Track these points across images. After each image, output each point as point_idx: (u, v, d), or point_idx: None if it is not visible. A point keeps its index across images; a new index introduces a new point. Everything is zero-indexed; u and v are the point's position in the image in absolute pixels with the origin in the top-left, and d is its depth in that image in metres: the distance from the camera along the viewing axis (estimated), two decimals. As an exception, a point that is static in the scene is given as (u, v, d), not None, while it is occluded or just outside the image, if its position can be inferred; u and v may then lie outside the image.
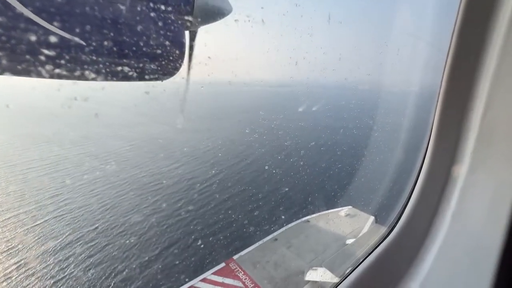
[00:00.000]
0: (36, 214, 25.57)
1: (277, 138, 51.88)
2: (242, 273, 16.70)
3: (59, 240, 22.26)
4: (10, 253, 20.88)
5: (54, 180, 32.61)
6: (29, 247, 21.58)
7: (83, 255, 20.90)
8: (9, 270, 19.38)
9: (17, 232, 23.08)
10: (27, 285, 18.47)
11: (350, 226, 21.05)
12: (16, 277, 18.92)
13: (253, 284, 15.87)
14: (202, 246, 22.23)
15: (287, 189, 31.97)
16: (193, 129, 59.21)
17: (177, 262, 20.59)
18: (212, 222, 25.30)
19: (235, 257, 18.04)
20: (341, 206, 24.37)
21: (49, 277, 19.02)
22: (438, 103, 1.70)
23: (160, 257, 20.96)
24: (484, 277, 1.41)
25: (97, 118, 64.97)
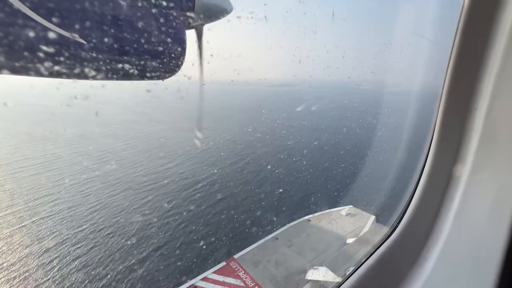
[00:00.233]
0: (24, 214, 25.24)
1: (280, 137, 51.81)
2: (243, 272, 16.74)
3: (44, 242, 21.85)
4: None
5: (45, 179, 32.31)
6: (13, 249, 21.10)
7: (67, 258, 20.41)
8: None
9: (2, 234, 22.59)
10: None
11: (351, 225, 21.05)
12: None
13: (254, 283, 15.90)
14: (189, 249, 21.75)
15: (284, 189, 31.81)
16: (191, 128, 59.07)
17: (161, 267, 20.09)
18: (201, 224, 24.78)
19: (236, 256, 18.08)
20: (342, 205, 24.39)
21: (31, 280, 18.64)
22: (440, 103, 1.69)
23: (145, 261, 20.48)
24: (487, 278, 1.40)
25: (95, 117, 64.89)
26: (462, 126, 1.64)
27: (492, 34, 1.40)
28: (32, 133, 49.66)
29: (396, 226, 2.03)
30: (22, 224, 23.93)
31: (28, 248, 21.20)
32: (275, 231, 20.89)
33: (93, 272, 19.31)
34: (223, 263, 17.57)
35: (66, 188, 30.41)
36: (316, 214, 23.13)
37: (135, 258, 20.65)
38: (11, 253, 20.70)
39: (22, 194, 28.77)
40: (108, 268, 19.72)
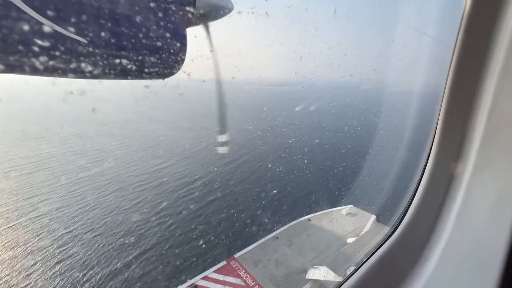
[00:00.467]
0: (11, 215, 24.86)
1: (281, 135, 51.71)
2: (243, 271, 16.78)
3: (29, 244, 21.45)
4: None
5: (36, 179, 31.89)
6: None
7: (52, 261, 19.98)
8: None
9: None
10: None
11: (352, 225, 21.08)
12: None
13: (254, 282, 15.94)
14: (176, 253, 21.22)
15: (284, 188, 31.58)
16: (188, 128, 58.83)
17: (147, 271, 19.54)
18: (192, 227, 24.24)
19: (236, 255, 18.12)
20: (343, 205, 24.41)
21: (13, 284, 18.23)
22: (443, 102, 1.68)
23: (131, 265, 19.95)
24: (489, 278, 1.39)
25: (91, 114, 64.24)
26: (464, 126, 1.64)
27: (495, 33, 1.39)
28: (27, 131, 49.43)
29: (397, 226, 2.02)
30: (9, 225, 23.58)
31: (11, 251, 20.82)
32: (275, 230, 20.91)
33: (76, 275, 18.91)
34: (224, 262, 17.61)
35: (57, 188, 30.05)
36: (317, 213, 23.15)
37: (120, 261, 20.19)
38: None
39: (11, 194, 28.44)
40: (92, 271, 19.32)
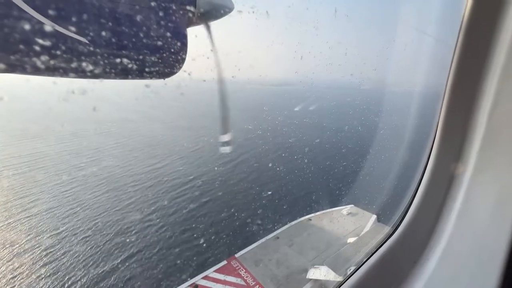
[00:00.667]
0: None
1: (281, 135, 51.58)
2: (244, 270, 16.79)
3: (15, 246, 21.06)
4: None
5: (28, 179, 31.35)
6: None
7: (38, 263, 19.56)
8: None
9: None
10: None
11: (352, 224, 21.08)
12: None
13: (255, 282, 15.95)
14: (165, 257, 20.70)
15: (284, 188, 31.38)
16: (187, 127, 58.56)
17: (135, 275, 19.09)
18: (182, 229, 23.65)
19: (237, 255, 18.13)
20: (344, 205, 24.40)
21: None
22: (444, 102, 1.68)
23: (117, 268, 19.47)
24: (489, 278, 1.39)
25: (90, 114, 63.64)
26: (464, 126, 1.64)
27: (496, 33, 1.38)
28: (23, 130, 49.15)
29: (398, 226, 2.02)
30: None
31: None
32: (275, 230, 20.90)
33: (61, 279, 18.53)
34: (224, 262, 17.63)
35: (49, 188, 29.57)
36: (317, 213, 23.15)
37: (108, 264, 19.75)
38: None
39: (1, 194, 28.14)
40: (78, 274, 18.92)
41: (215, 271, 16.97)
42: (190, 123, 62.14)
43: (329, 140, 50.04)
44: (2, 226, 23.43)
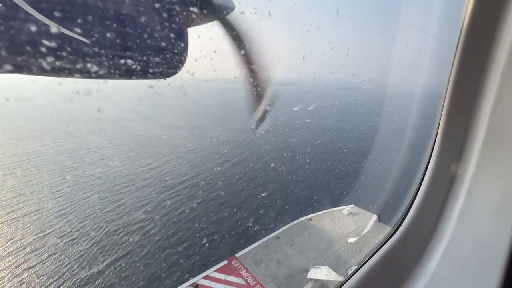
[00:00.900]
0: None
1: (282, 135, 51.40)
2: (245, 270, 16.80)
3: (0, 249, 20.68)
4: None
5: (18, 179, 30.87)
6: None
7: (22, 266, 19.12)
8: None
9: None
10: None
11: (353, 224, 21.06)
12: None
13: (256, 282, 15.96)
14: (150, 261, 20.05)
15: (284, 187, 31.05)
16: (183, 127, 58.44)
17: (119, 279, 18.58)
18: (170, 232, 23.03)
19: (237, 254, 18.14)
20: (344, 205, 24.37)
21: None
22: (445, 101, 1.68)
23: (102, 273, 18.99)
24: (491, 278, 1.39)
25: (88, 114, 62.63)
26: (466, 126, 1.64)
27: (497, 33, 1.38)
28: (20, 129, 48.94)
29: (399, 226, 2.02)
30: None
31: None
32: (277, 229, 20.89)
33: (43, 284, 18.06)
34: (225, 262, 17.64)
35: (38, 189, 29.02)
36: (318, 213, 23.14)
37: (92, 268, 19.20)
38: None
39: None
40: (61, 279, 18.40)
41: (216, 270, 16.98)
42: (189, 123, 62.02)
43: (331, 140, 49.90)
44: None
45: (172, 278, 18.43)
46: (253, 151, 43.02)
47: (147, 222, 24.18)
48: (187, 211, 26.25)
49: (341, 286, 1.90)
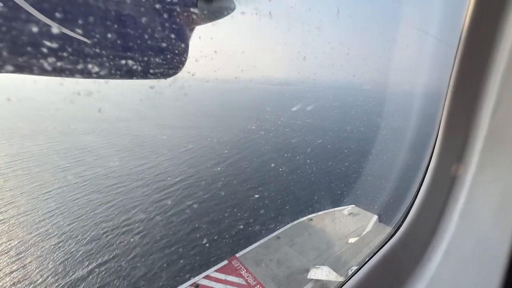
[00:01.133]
0: None
1: (283, 135, 51.28)
2: (245, 270, 16.80)
3: None
4: None
5: (9, 179, 30.49)
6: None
7: (6, 269, 18.70)
8: None
9: None
10: None
11: (354, 224, 21.05)
12: None
13: (256, 282, 15.96)
14: (137, 265, 19.57)
15: (285, 187, 30.86)
16: (180, 127, 58.30)
17: (104, 283, 18.15)
18: (159, 236, 22.48)
19: (238, 254, 18.14)
20: (345, 205, 24.37)
21: None
22: (446, 102, 1.67)
23: (88, 276, 18.55)
24: (492, 278, 1.39)
25: (85, 114, 62.44)
26: (467, 126, 1.63)
27: (498, 33, 1.38)
28: (16, 129, 48.86)
29: (400, 226, 2.01)
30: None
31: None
32: (277, 229, 20.88)
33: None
34: (225, 261, 17.64)
35: (29, 190, 28.47)
36: (319, 213, 23.13)
37: (78, 272, 18.76)
38: None
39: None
40: (45, 283, 17.99)
41: (216, 270, 16.99)
42: (183, 123, 61.81)
43: (331, 141, 49.87)
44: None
45: (157, 284, 18.06)
46: (253, 151, 42.95)
47: (136, 225, 23.65)
48: (177, 214, 25.67)
49: (342, 287, 1.90)
